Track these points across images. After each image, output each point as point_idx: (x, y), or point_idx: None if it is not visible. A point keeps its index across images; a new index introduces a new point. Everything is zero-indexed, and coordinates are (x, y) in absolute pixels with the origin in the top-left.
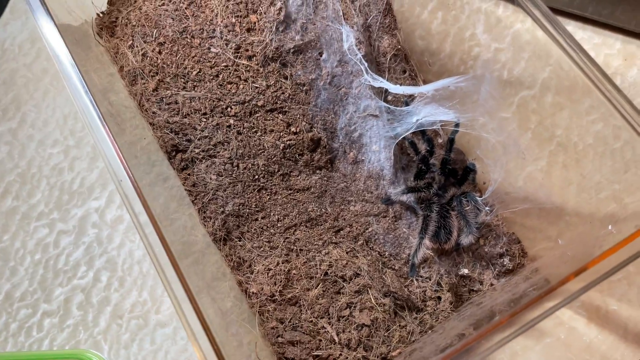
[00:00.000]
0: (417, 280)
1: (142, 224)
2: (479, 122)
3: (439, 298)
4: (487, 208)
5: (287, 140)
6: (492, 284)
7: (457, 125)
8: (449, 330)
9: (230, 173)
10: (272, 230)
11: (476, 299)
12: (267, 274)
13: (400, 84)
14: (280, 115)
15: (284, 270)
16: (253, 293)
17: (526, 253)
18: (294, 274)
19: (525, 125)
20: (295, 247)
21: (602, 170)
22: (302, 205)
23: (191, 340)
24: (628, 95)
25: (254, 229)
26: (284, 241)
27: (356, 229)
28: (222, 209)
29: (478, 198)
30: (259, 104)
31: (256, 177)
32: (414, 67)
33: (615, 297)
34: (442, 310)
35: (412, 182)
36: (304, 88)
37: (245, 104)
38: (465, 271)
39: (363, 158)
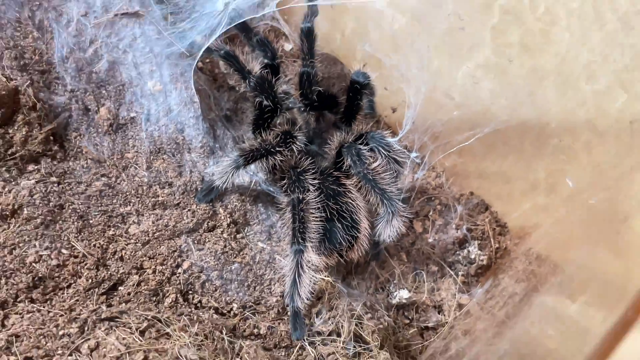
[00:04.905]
0: (311, 344)
1: None
2: None
3: None
4: (412, 154)
5: None
6: (460, 306)
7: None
8: None
9: None
10: None
11: (439, 345)
12: None
13: None
14: None
15: None
16: None
17: (505, 226)
18: None
19: None
20: (15, 352)
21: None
22: (12, 252)
23: None
24: None
25: None
26: None
27: (153, 272)
28: None
29: (390, 140)
30: None
31: None
32: None
33: None
34: None
35: (251, 139)
36: None
37: None
38: (404, 295)
39: (132, 115)
